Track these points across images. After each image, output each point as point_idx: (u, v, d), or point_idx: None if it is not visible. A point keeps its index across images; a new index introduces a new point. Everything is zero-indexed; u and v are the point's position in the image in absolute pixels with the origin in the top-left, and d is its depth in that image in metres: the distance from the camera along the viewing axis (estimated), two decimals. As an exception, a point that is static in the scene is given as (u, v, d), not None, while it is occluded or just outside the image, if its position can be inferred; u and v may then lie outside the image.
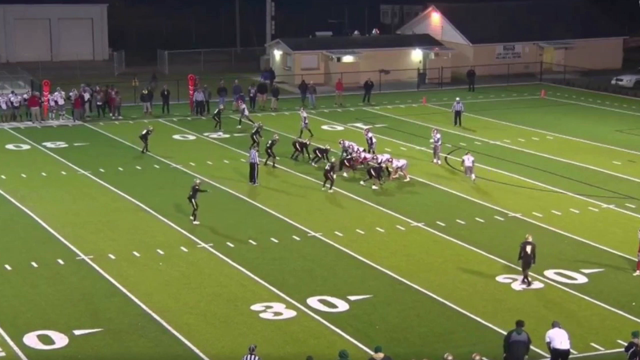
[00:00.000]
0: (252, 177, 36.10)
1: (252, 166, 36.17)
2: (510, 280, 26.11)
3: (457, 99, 47.90)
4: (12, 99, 49.74)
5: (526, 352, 19.97)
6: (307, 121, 45.84)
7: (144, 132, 41.15)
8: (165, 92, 52.06)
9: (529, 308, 24.18)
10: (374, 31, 75.62)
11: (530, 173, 38.48)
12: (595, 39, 69.73)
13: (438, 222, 31.47)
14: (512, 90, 61.58)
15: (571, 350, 20.39)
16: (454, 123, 46.76)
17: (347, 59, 63.99)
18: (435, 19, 70.59)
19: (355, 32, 74.70)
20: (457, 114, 47.35)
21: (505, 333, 20.66)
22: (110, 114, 50.90)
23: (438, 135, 40.34)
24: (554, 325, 20.37)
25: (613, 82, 62.33)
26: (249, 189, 35.62)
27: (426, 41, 67.63)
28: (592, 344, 21.86)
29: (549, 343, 20.16)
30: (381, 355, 18.94)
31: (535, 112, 53.34)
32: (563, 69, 66.09)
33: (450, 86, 62.91)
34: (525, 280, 25.51)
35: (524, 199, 34.67)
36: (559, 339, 20.05)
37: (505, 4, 73.36)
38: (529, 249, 25.28)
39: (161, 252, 28.34)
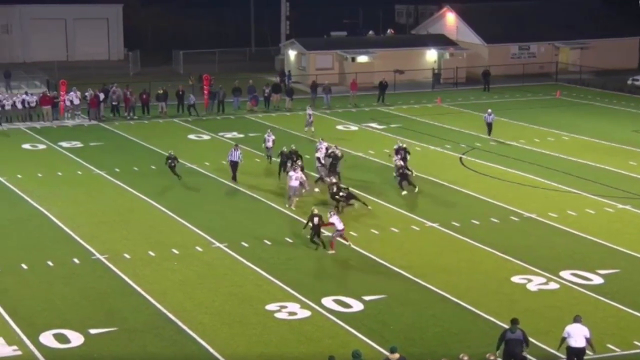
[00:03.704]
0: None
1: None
2: (525, 281, 26.03)
3: (489, 110, 45.96)
4: (27, 99, 50.01)
5: (524, 348, 19.93)
6: (311, 119, 45.90)
7: (170, 163, 36.69)
8: (180, 92, 52.18)
9: (544, 309, 24.09)
10: (388, 31, 75.57)
11: (545, 173, 38.35)
12: (611, 39, 69.46)
13: (453, 223, 31.41)
14: (527, 90, 61.40)
15: (587, 351, 20.30)
16: (488, 134, 45.10)
17: (362, 59, 63.98)
18: (450, 19, 70.47)
19: (370, 32, 74.69)
20: (489, 125, 45.18)
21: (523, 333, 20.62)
22: (125, 114, 51.09)
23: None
24: (575, 320, 20.27)
25: (629, 82, 62.08)
26: (264, 188, 35.59)
27: (441, 41, 67.55)
28: (609, 345, 21.75)
29: (565, 338, 20.08)
30: (397, 355, 18.90)
31: (551, 113, 53.17)
32: (579, 69, 65.85)
33: (465, 86, 62.83)
34: None
35: (540, 199, 34.56)
36: (576, 336, 19.98)
37: (521, 4, 73.17)
38: None
39: (176, 252, 28.40)
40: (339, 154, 36.16)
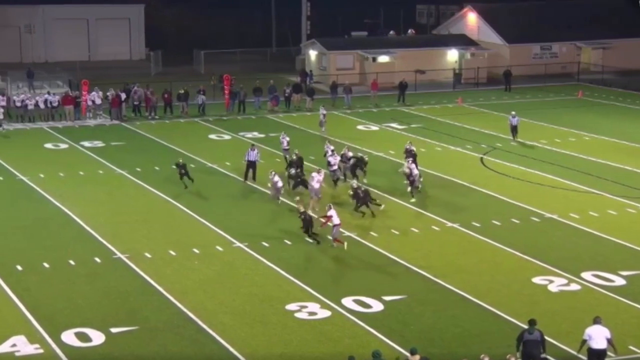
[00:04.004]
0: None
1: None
2: (546, 282, 25.92)
3: (513, 112, 45.21)
4: (49, 98, 50.33)
5: (542, 350, 19.85)
6: (325, 119, 45.90)
7: (180, 171, 35.48)
8: (201, 92, 52.30)
9: (566, 310, 23.99)
10: (409, 31, 75.45)
11: (566, 174, 38.17)
12: (633, 38, 68.90)
13: (473, 223, 31.33)
14: (548, 90, 61.12)
15: (609, 352, 20.20)
16: (511, 137, 44.43)
17: (383, 59, 63.91)
18: (471, 19, 70.25)
19: (391, 32, 74.60)
20: (514, 129, 44.46)
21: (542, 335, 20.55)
22: (147, 114, 51.30)
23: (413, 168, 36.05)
24: (595, 321, 20.17)
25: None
26: (285, 188, 35.55)
27: (462, 41, 67.37)
28: (631, 347, 21.62)
29: (586, 340, 19.99)
30: (417, 357, 18.85)
31: (572, 113, 52.90)
32: (601, 69, 65.46)
33: (486, 86, 62.62)
34: None
35: (561, 200, 34.40)
36: (597, 338, 19.88)
37: (543, 4, 72.84)
38: None
39: (197, 251, 28.49)
40: (366, 158, 36.37)
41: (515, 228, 31.05)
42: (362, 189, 32.30)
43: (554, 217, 32.15)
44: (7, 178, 37.47)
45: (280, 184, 33.33)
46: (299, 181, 34.42)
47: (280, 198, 33.47)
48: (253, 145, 37.76)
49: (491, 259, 28.09)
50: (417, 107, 54.82)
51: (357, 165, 35.92)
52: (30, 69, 58.69)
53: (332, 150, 37.02)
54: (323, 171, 33.59)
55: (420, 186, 34.94)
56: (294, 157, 36.16)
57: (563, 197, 34.86)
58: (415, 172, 34.71)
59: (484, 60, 65.80)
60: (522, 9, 71.75)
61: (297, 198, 32.24)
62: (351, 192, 32.00)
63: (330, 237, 28.93)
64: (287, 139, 39.54)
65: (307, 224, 29.14)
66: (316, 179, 32.48)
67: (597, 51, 68.81)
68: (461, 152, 42.55)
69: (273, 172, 33.61)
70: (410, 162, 35.29)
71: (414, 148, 37.92)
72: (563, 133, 46.78)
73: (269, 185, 33.65)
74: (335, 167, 35.83)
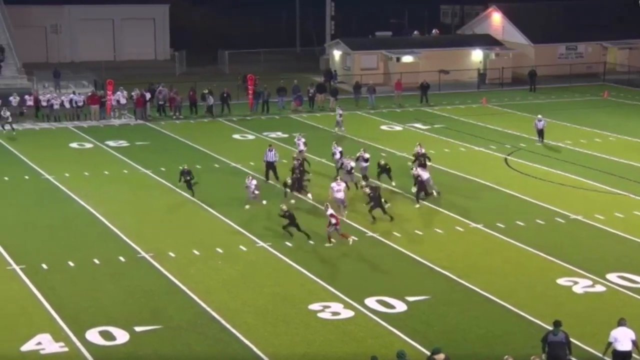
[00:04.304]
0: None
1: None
2: (571, 283, 25.77)
3: (539, 116, 44.71)
4: (75, 98, 50.66)
5: (567, 351, 19.72)
6: (342, 119, 45.82)
7: (185, 178, 34.67)
8: (225, 94, 52.41)
9: (591, 312, 23.85)
10: (433, 31, 75.29)
11: (591, 174, 37.93)
12: (660, 39, 68.51)
13: (497, 224, 31.20)
14: (574, 91, 60.77)
15: (634, 354, 20.05)
16: (539, 141, 43.79)
17: (407, 59, 63.81)
18: (496, 19, 69.98)
19: (415, 32, 74.48)
20: (540, 132, 43.92)
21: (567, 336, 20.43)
22: (172, 114, 51.51)
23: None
24: (619, 323, 20.03)
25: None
26: (325, 186, 35.53)
27: (487, 41, 67.15)
28: (655, 349, 21.45)
29: (611, 343, 19.86)
30: (442, 356, 18.82)
31: (598, 113, 52.58)
32: (627, 70, 65.01)
33: (511, 87, 62.37)
34: None
35: (586, 201, 34.19)
36: (622, 340, 19.74)
37: (568, 3, 72.40)
38: None
39: (220, 251, 28.57)
40: (382, 162, 35.87)
41: (539, 229, 30.90)
42: (377, 192, 31.70)
43: (579, 218, 31.95)
44: (32, 177, 37.75)
45: (257, 191, 32.63)
46: (297, 186, 34.04)
47: (263, 201, 32.87)
48: (270, 145, 37.79)
49: (515, 259, 27.97)
50: (441, 107, 54.68)
51: (384, 171, 35.48)
52: (57, 69, 59.10)
53: (341, 152, 36.86)
54: (342, 182, 32.61)
55: (435, 193, 34.28)
56: (295, 163, 35.13)
57: (588, 198, 34.65)
58: (425, 176, 34.00)
59: (509, 60, 65.54)
60: (548, 9, 71.40)
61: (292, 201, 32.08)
62: (369, 192, 31.56)
63: (327, 236, 29.06)
64: (303, 140, 39.43)
65: (292, 221, 29.29)
66: (336, 189, 31.76)
67: (623, 51, 68.35)
68: (485, 153, 42.39)
69: (250, 177, 32.92)
70: (416, 166, 34.74)
71: (424, 150, 37.05)
72: (588, 134, 46.50)
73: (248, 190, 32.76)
74: (350, 168, 34.90)
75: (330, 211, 29.13)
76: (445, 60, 63.59)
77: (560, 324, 19.98)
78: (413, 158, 36.82)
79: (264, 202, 33.08)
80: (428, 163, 35.98)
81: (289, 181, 33.73)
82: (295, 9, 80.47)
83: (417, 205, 33.28)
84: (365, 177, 35.57)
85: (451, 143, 44.38)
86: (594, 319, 23.24)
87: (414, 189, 34.20)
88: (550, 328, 20.27)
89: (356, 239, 29.58)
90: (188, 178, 34.34)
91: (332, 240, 29.07)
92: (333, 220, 28.89)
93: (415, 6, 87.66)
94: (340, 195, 31.80)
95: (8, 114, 46.57)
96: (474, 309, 24.13)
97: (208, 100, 51.35)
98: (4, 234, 30.04)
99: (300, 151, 38.79)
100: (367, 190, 31.80)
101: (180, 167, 35.27)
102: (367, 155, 36.30)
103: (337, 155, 37.03)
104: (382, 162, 35.81)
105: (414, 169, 34.62)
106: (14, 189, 36.02)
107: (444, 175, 38.24)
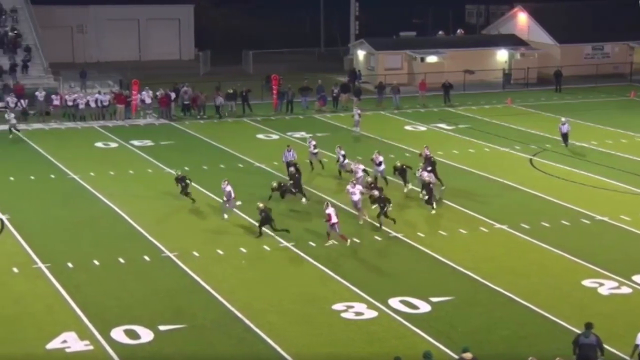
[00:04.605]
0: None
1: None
2: (596, 285, 25.60)
3: (563, 119, 43.74)
4: (100, 98, 50.94)
5: (599, 353, 19.57)
6: (360, 119, 45.65)
7: (181, 185, 33.69)
8: (244, 93, 52.45)
9: (617, 313, 23.67)
10: (458, 31, 75.08)
11: (617, 175, 37.66)
12: (687, 38, 67.91)
13: (522, 225, 31.06)
14: (600, 91, 60.38)
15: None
16: (564, 144, 43.00)
17: (431, 59, 63.66)
18: (521, 19, 69.67)
19: (440, 32, 74.28)
20: (565, 136, 43.08)
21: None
22: (196, 113, 51.65)
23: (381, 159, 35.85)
24: None
25: None
26: (331, 188, 35.67)
27: (512, 41, 66.87)
28: (682, 352, 21.26)
29: (638, 345, 19.69)
30: (470, 355, 18.78)
31: (624, 114, 52.20)
32: (654, 70, 64.57)
33: (536, 87, 62.09)
34: None
35: (611, 202, 33.95)
36: None
37: (595, 3, 71.91)
38: None
39: (244, 251, 28.62)
40: (399, 164, 35.12)
41: (564, 230, 30.72)
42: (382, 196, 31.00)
43: (605, 219, 31.74)
44: (58, 176, 38.00)
45: (232, 194, 31.47)
46: (284, 190, 33.57)
47: (234, 209, 31.78)
48: (289, 146, 37.78)
49: (540, 261, 27.82)
50: (466, 108, 54.50)
51: (400, 174, 34.85)
52: (84, 69, 59.48)
53: (344, 156, 36.53)
54: (357, 185, 31.91)
55: (437, 197, 33.12)
56: (292, 170, 34.63)
57: (614, 199, 34.40)
58: (427, 178, 33.19)
59: (534, 60, 65.23)
60: (574, 9, 70.94)
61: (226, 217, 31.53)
62: (376, 194, 30.87)
63: (328, 235, 29.07)
64: (314, 142, 39.03)
65: (267, 220, 29.31)
66: (351, 191, 31.35)
67: (650, 51, 67.86)
68: (510, 153, 42.21)
69: (226, 182, 32.12)
70: (421, 170, 34.04)
71: (429, 152, 36.28)
72: (614, 134, 46.18)
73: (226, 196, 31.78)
74: (360, 174, 34.12)
75: (329, 210, 29.00)
76: (470, 60, 63.37)
77: (592, 326, 19.78)
78: (423, 161, 35.61)
79: (225, 216, 31.84)
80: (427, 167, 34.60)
81: (275, 185, 33.25)
82: (320, 8, 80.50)
83: (433, 212, 32.43)
84: (383, 179, 35.17)
85: (476, 143, 44.23)
86: (620, 320, 23.07)
87: (421, 195, 33.41)
88: (575, 329, 20.15)
89: (358, 241, 29.41)
90: (183, 185, 33.38)
91: (332, 240, 28.93)
92: (334, 220, 28.77)
93: (439, 6, 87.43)
94: (355, 198, 31.26)
95: (12, 115, 46.02)
96: (498, 310, 24.03)
97: (216, 101, 51.35)
98: (31, 233, 30.26)
99: (314, 154, 38.33)
100: (376, 193, 31.12)
101: (175, 173, 34.32)
102: (380, 158, 35.77)
103: (341, 159, 36.71)
104: (398, 164, 35.25)
105: (419, 173, 33.86)
106: (40, 188, 36.28)
107: (469, 175, 38.13)
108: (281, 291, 25.33)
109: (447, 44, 66.23)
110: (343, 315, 23.60)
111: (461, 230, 30.67)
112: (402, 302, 24.35)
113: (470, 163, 39.89)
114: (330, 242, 29.00)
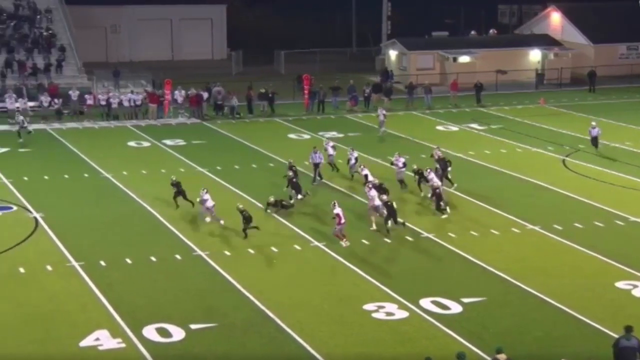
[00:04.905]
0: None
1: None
2: (630, 287, 25.35)
3: (593, 123, 43.08)
4: (133, 97, 51.28)
5: (638, 357, 19.35)
6: (384, 119, 45.43)
7: (175, 189, 32.99)
8: (270, 94, 52.50)
9: (650, 316, 23.44)
10: (491, 31, 74.71)
11: (652, 177, 37.31)
12: None
13: (555, 226, 30.82)
14: (635, 91, 59.80)
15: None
16: (594, 148, 42.12)
17: (464, 59, 63.41)
18: (555, 19, 69.18)
19: (472, 32, 73.95)
20: (594, 140, 42.24)
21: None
22: (228, 113, 51.82)
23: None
24: None
25: None
26: (360, 189, 35.51)
27: (545, 41, 66.45)
28: None
29: None
30: (504, 356, 18.68)
31: (659, 114, 51.68)
32: (690, 70, 63.84)
33: (569, 87, 61.63)
34: None
35: (646, 204, 33.62)
36: None
37: (629, 3, 71.23)
38: None
39: (275, 250, 28.66)
40: (416, 167, 34.54)
41: (598, 231, 30.46)
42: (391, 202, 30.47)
43: (639, 220, 31.42)
44: (92, 175, 38.29)
45: (210, 203, 30.79)
46: (282, 206, 32.65)
47: (218, 219, 30.95)
48: (315, 147, 37.73)
49: (572, 262, 27.60)
50: (498, 108, 54.21)
51: (420, 177, 34.40)
52: (117, 69, 59.91)
53: (356, 158, 36.30)
54: (373, 189, 31.38)
55: (443, 205, 31.97)
56: (290, 173, 33.97)
57: (648, 201, 34.06)
58: (437, 182, 32.42)
59: (568, 60, 64.77)
60: (608, 9, 70.28)
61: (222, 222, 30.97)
62: (385, 199, 30.34)
63: (336, 235, 29.06)
64: (332, 143, 38.73)
65: (248, 221, 29.31)
66: (370, 195, 30.97)
67: (686, 51, 67.13)
68: (542, 154, 41.92)
69: (205, 190, 31.29)
70: (429, 172, 33.28)
71: (440, 153, 35.88)
72: (649, 135, 45.74)
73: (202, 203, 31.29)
74: (371, 178, 33.66)
75: (337, 210, 28.89)
76: (503, 60, 63.04)
77: (632, 329, 19.50)
78: (435, 165, 35.07)
79: (208, 220, 31.27)
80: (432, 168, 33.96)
81: (272, 200, 32.50)
82: (352, 8, 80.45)
83: (444, 216, 31.73)
84: (402, 183, 34.90)
85: (508, 144, 43.98)
86: (653, 323, 22.81)
87: (430, 201, 32.54)
88: (608, 332, 19.95)
89: (388, 241, 29.38)
90: (177, 190, 32.56)
91: (346, 241, 28.84)
92: (343, 220, 28.73)
93: (472, 6, 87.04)
94: (377, 202, 30.57)
95: (21, 118, 45.38)
96: (530, 311, 23.87)
97: (232, 102, 51.35)
98: (64, 231, 30.51)
99: (330, 155, 37.85)
100: (385, 197, 30.64)
101: (171, 179, 33.53)
102: (402, 160, 35.38)
103: (352, 161, 36.34)
104: (415, 167, 34.79)
105: (428, 174, 33.13)
106: (73, 186, 36.58)
107: (500, 176, 37.93)
108: (312, 291, 25.33)
109: (480, 44, 65.94)
110: (374, 315, 23.55)
111: (493, 231, 30.51)
112: (433, 302, 24.26)
113: (502, 163, 39.67)
114: (345, 242, 28.87)
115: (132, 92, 52.77)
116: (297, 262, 27.77)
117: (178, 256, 28.09)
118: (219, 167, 39.33)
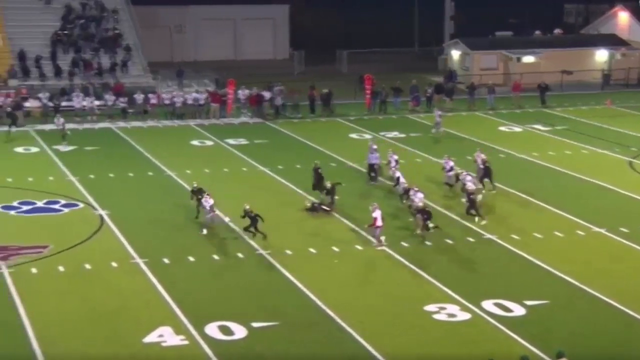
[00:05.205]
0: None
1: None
2: (699, 292, 24.83)
3: None
4: (197, 96, 51.76)
5: None
6: (440, 120, 45.00)
7: (195, 197, 32.00)
8: (325, 95, 52.48)
9: None
10: (556, 31, 73.75)
11: None
12: None
13: (621, 229, 30.30)
14: None
15: None
16: None
17: (528, 59, 62.69)
18: (622, 18, 68.03)
19: (536, 32, 73.10)
20: None
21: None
22: (289, 112, 52.02)
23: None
24: None
25: None
26: (426, 190, 35.22)
27: (612, 41, 65.34)
28: None
29: None
30: (565, 360, 18.46)
31: None
32: None
33: (637, 88, 60.52)
34: None
35: None
36: None
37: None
38: None
39: (336, 250, 28.68)
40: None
41: (666, 235, 29.89)
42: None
43: None
44: (156, 174, 38.74)
45: (212, 212, 30.26)
46: (316, 209, 32.45)
47: (215, 223, 30.45)
48: (371, 144, 37.69)
49: (639, 266, 27.10)
50: (563, 109, 53.49)
51: (488, 175, 34.13)
52: (181, 68, 60.55)
53: (397, 161, 35.58)
54: (418, 192, 30.96)
55: (474, 212, 30.78)
56: (328, 185, 33.17)
57: None
58: (471, 187, 31.31)
59: (636, 60, 63.63)
60: (677, 7, 68.97)
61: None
62: (420, 205, 29.91)
63: (373, 239, 28.90)
64: (375, 146, 37.38)
65: (254, 222, 29.12)
66: (416, 196, 30.66)
67: None
68: (609, 155, 41.26)
69: (207, 195, 30.79)
70: (464, 174, 32.60)
71: (484, 156, 34.91)
72: None
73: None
74: (403, 181, 33.39)
75: (376, 213, 28.65)
76: (568, 60, 62.16)
77: None
78: (477, 167, 34.45)
79: (204, 231, 30.52)
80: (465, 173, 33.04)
81: (309, 205, 32.45)
82: (414, 8, 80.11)
83: (484, 222, 30.62)
84: (449, 186, 34.50)
85: (573, 145, 43.38)
86: None
87: (465, 205, 31.43)
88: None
89: (450, 242, 29.10)
90: (199, 197, 31.64)
91: (384, 243, 28.67)
92: (379, 223, 28.56)
93: (537, 6, 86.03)
94: (421, 204, 30.20)
95: (62, 120, 44.49)
96: (595, 314, 23.52)
97: (276, 100, 51.40)
98: (129, 228, 30.92)
99: (392, 168, 36.97)
100: (421, 205, 30.03)
101: (192, 186, 32.59)
102: (451, 163, 34.87)
103: (393, 163, 35.49)
104: (454, 171, 34.34)
105: (463, 178, 32.38)
106: (138, 185, 37.05)
107: (565, 177, 37.44)
108: (373, 291, 25.29)
109: (544, 44, 65.13)
110: (435, 316, 23.43)
111: (556, 233, 30.12)
112: (495, 304, 24.04)
113: (566, 165, 39.15)
114: (382, 246, 28.69)
115: (196, 91, 53.27)
116: (359, 262, 27.74)
117: (240, 254, 28.27)
118: (280, 167, 39.48)
